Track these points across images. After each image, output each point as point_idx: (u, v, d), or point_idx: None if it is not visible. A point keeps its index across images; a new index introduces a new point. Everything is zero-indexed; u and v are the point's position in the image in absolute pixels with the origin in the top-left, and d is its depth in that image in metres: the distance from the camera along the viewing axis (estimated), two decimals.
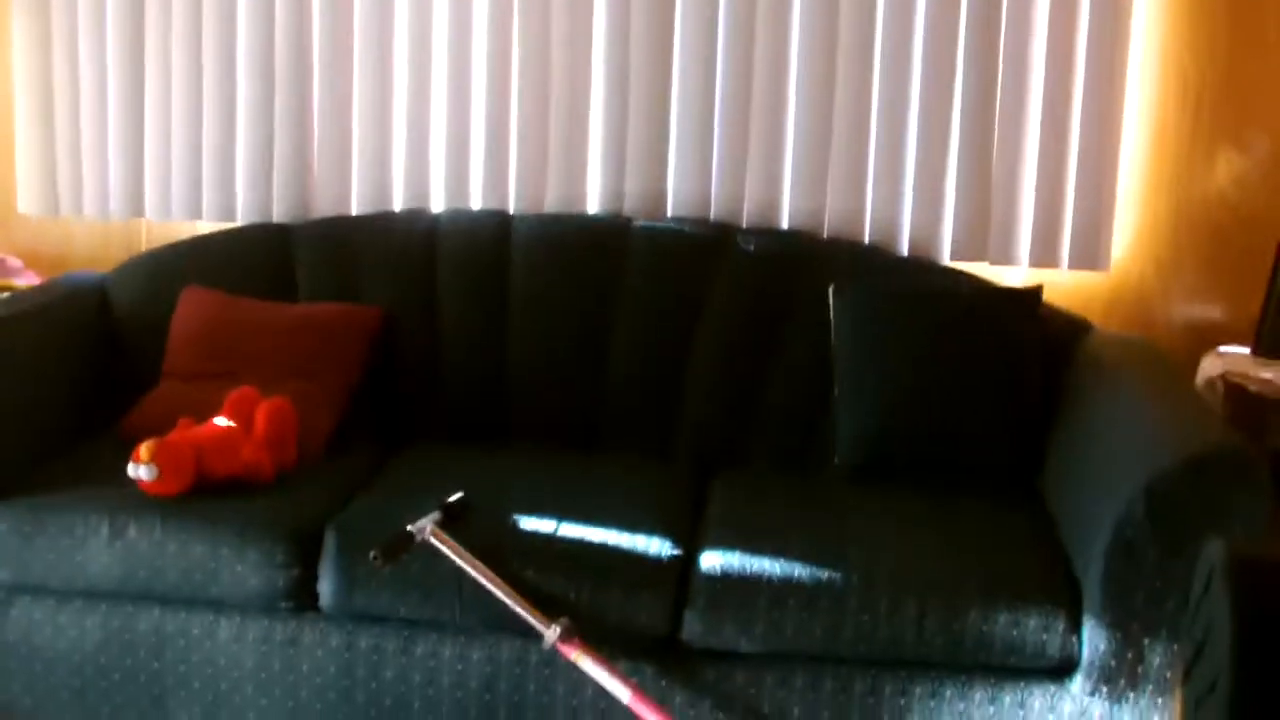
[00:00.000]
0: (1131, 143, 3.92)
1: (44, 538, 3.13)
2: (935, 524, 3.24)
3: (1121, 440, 3.08)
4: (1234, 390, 3.60)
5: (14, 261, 4.18)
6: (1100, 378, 3.43)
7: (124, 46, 4.10)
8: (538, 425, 3.79)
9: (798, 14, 3.88)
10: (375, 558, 2.91)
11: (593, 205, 4.04)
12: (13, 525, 3.15)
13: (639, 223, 3.92)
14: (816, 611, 2.96)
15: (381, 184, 4.07)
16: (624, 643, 3.03)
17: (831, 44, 3.87)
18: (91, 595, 3.17)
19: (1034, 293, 3.65)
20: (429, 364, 3.82)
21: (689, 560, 3.08)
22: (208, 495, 3.20)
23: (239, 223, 4.12)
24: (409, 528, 3.00)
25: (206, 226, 4.18)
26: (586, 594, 3.01)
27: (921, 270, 3.87)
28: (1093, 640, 2.90)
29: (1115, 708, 2.93)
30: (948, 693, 2.98)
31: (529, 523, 3.15)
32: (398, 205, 4.10)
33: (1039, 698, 2.96)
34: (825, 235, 3.97)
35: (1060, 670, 2.95)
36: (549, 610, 2.97)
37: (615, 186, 4.00)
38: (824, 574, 2.99)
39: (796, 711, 3.02)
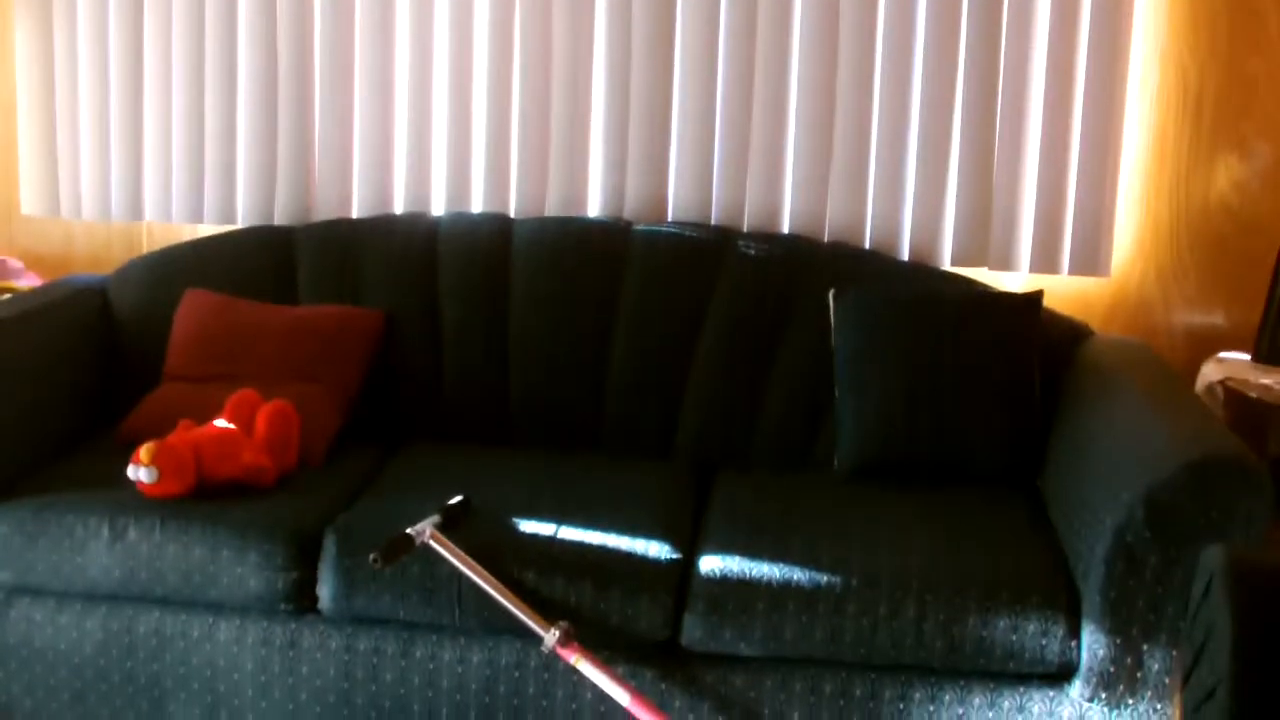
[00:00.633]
0: (1132, 149, 3.92)
1: (45, 539, 3.14)
2: (935, 528, 3.24)
3: (1122, 446, 3.07)
4: (1234, 396, 3.61)
5: (15, 263, 4.18)
6: (1100, 383, 3.43)
7: (125, 50, 4.10)
8: (538, 428, 3.80)
9: (799, 19, 3.89)
10: (375, 560, 2.91)
11: (593, 209, 4.04)
12: (14, 527, 3.15)
13: (639, 227, 3.92)
14: (816, 615, 2.96)
15: (382, 187, 4.08)
16: (623, 646, 3.03)
17: (832, 49, 3.88)
18: (92, 597, 3.18)
19: (1034, 298, 3.65)
20: (430, 367, 3.82)
21: (688, 564, 3.09)
22: (208, 498, 3.20)
23: (240, 225, 4.13)
24: (409, 530, 3.00)
25: (207, 229, 4.19)
26: (586, 597, 3.01)
27: (922, 275, 3.87)
28: (1092, 645, 2.90)
29: (1114, 713, 2.93)
30: (946, 697, 2.98)
31: (529, 526, 3.15)
32: (399, 208, 4.10)
33: (1038, 702, 2.96)
34: (826, 240, 3.97)
35: (1059, 675, 2.95)
36: (548, 613, 2.97)
37: (616, 190, 4.01)
38: (824, 578, 2.99)
39: (796, 716, 3.02)
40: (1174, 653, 2.88)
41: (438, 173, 4.07)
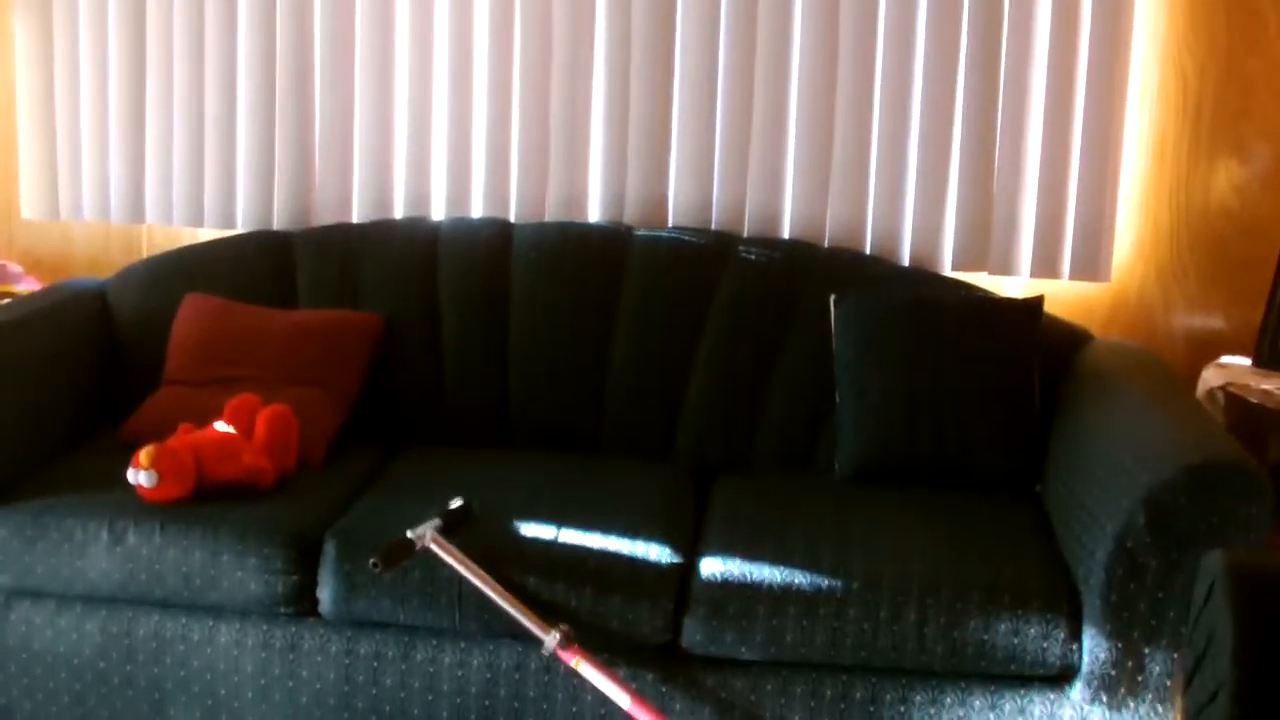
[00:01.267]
0: (1132, 153, 3.93)
1: (44, 542, 3.13)
2: (936, 531, 3.24)
3: (1123, 450, 3.07)
4: (1234, 401, 3.60)
5: (14, 267, 4.18)
6: (1101, 387, 3.43)
7: (125, 53, 4.11)
8: (539, 432, 3.80)
9: (799, 23, 3.89)
10: (375, 565, 2.90)
11: (593, 214, 4.04)
12: (13, 530, 3.15)
13: (640, 232, 3.92)
14: (817, 619, 2.96)
15: (382, 192, 4.08)
16: (624, 649, 3.03)
17: (833, 54, 3.88)
18: (91, 600, 3.17)
19: (1035, 303, 3.65)
20: (430, 370, 3.82)
21: (689, 567, 3.08)
22: (208, 501, 3.20)
23: (240, 230, 4.13)
24: (409, 534, 3.00)
25: (207, 233, 4.19)
26: (586, 601, 3.01)
27: (922, 280, 3.87)
28: (1093, 648, 2.90)
29: (1114, 715, 2.93)
30: (948, 700, 2.98)
31: (529, 529, 3.15)
32: (399, 213, 4.11)
33: (1039, 705, 2.96)
34: (826, 245, 3.97)
35: (1060, 678, 2.95)
36: (549, 617, 2.97)
37: (616, 195, 4.01)
38: (825, 581, 2.99)
39: (796, 719, 3.02)
40: (1175, 656, 2.88)
41: (437, 177, 4.08)
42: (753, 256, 3.85)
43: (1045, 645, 2.92)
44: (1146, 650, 2.88)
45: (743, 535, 3.18)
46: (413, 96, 4.04)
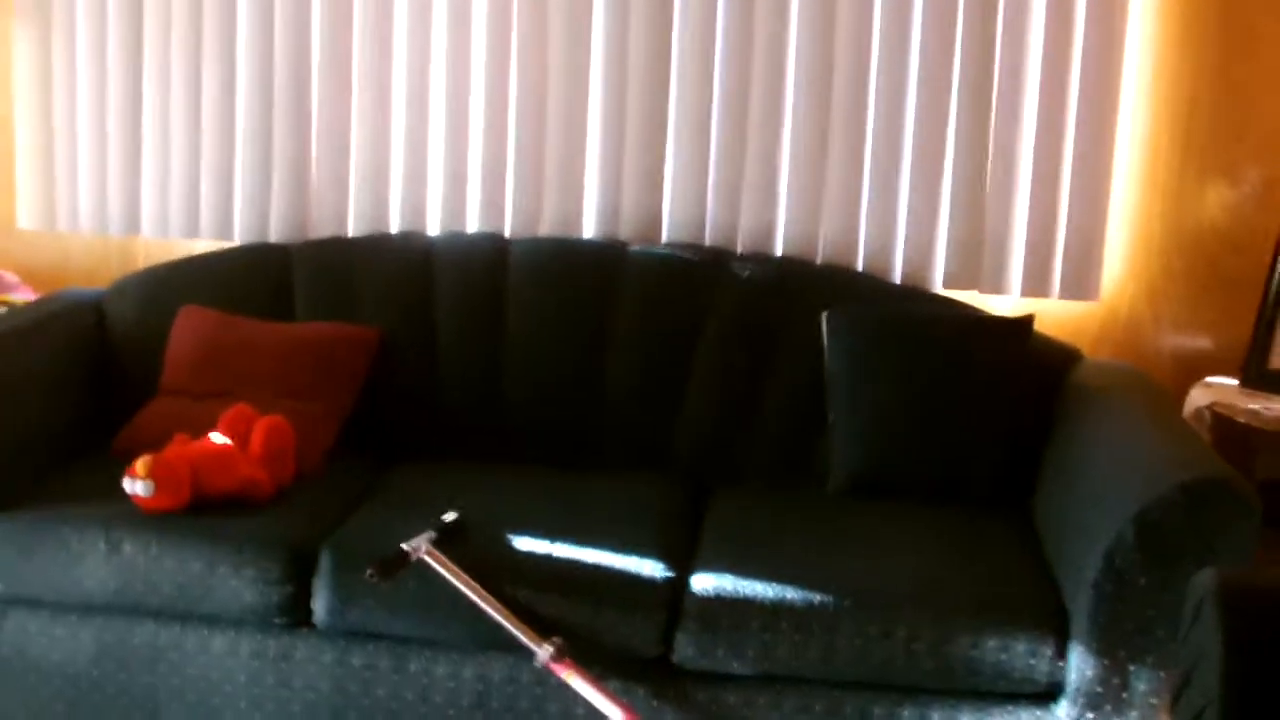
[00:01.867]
0: (1123, 173, 3.96)
1: (40, 552, 3.15)
2: (926, 546, 3.27)
3: (1112, 468, 3.10)
4: (1221, 420, 3.64)
5: (10, 277, 4.19)
6: (1090, 406, 3.46)
7: (124, 64, 4.13)
8: (534, 445, 3.82)
9: (794, 42, 3.92)
10: (372, 575, 2.93)
11: (588, 229, 4.07)
12: (9, 539, 3.17)
13: (635, 248, 3.95)
14: (809, 634, 2.98)
15: (379, 206, 4.11)
16: (616, 663, 3.05)
17: (827, 72, 3.92)
18: (87, 609, 3.19)
19: (1025, 321, 3.69)
20: (426, 384, 3.85)
21: (682, 581, 3.10)
22: (204, 512, 3.21)
23: (236, 242, 4.15)
24: (404, 546, 3.03)
25: (204, 245, 4.20)
26: (580, 614, 3.03)
27: (914, 298, 3.91)
28: (1080, 666, 2.92)
29: None
30: (935, 716, 3.01)
31: (523, 542, 3.17)
32: (395, 227, 4.13)
33: None
34: (819, 262, 4.00)
35: (1046, 695, 2.97)
36: (542, 630, 2.99)
37: (611, 211, 4.04)
38: (817, 597, 3.01)
39: None
40: (1161, 674, 2.90)
41: (434, 192, 4.10)
42: (746, 273, 3.87)
43: (1033, 662, 2.94)
44: (1133, 668, 2.90)
45: (736, 549, 3.21)
46: (409, 110, 4.06)
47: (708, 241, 4.04)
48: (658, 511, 3.46)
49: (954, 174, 3.94)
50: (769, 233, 4.01)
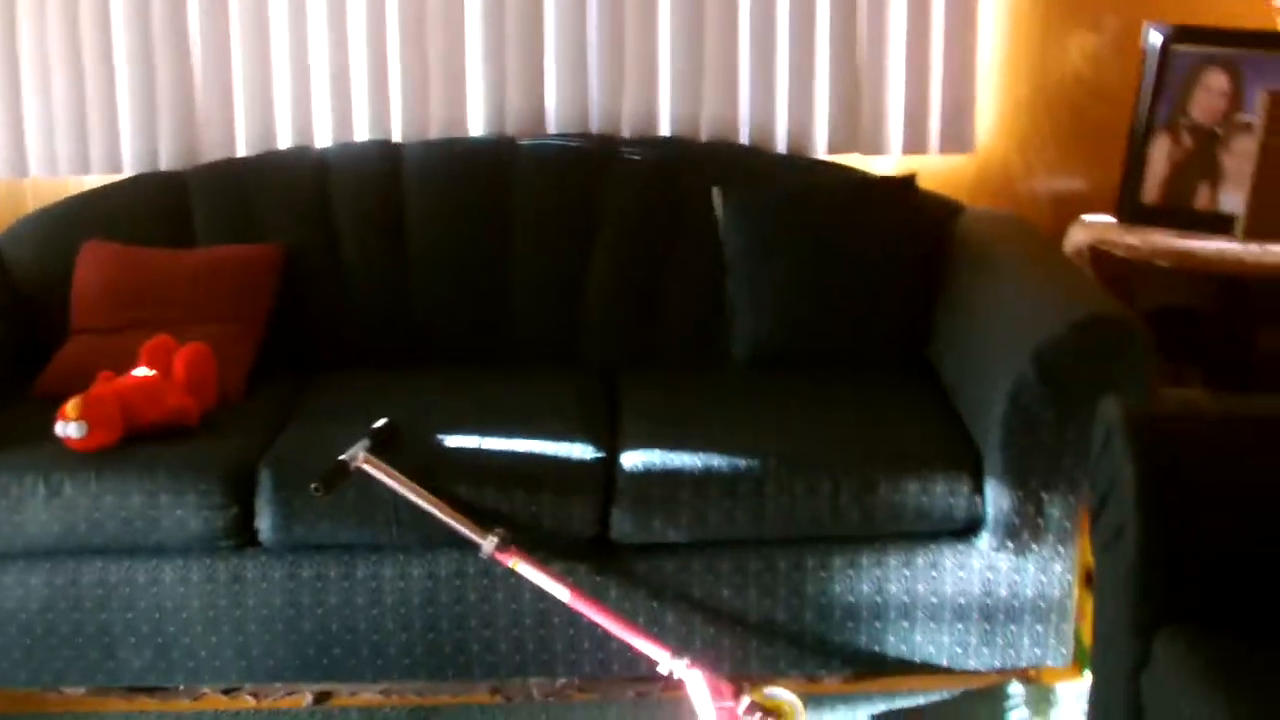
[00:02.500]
0: (990, 30, 4.09)
1: None
2: (838, 406, 3.42)
3: (1007, 312, 3.27)
4: (1101, 256, 3.80)
5: None
6: (978, 254, 3.62)
7: None
8: (444, 346, 3.86)
9: None
10: (317, 489, 2.99)
11: (476, 127, 4.10)
12: None
13: (524, 141, 4.00)
14: (737, 498, 3.11)
15: (266, 123, 4.09)
16: (558, 546, 3.15)
17: None
18: (33, 554, 3.20)
19: (908, 179, 3.82)
20: (335, 295, 3.87)
21: (611, 462, 3.21)
22: (137, 444, 3.23)
23: (127, 173, 4.11)
24: (342, 457, 3.08)
25: (93, 180, 4.17)
26: (518, 503, 3.12)
27: (800, 166, 4.02)
28: (996, 500, 3.10)
29: (1019, 560, 3.14)
30: (864, 560, 3.17)
31: (455, 441, 3.26)
32: (284, 143, 4.12)
33: (949, 557, 3.16)
34: (704, 139, 4.08)
35: (967, 530, 3.15)
36: (484, 523, 3.08)
37: (497, 107, 4.07)
38: (741, 462, 3.14)
39: (725, 593, 3.19)
40: (1072, 500, 3.08)
41: (320, 104, 4.10)
42: (635, 156, 3.95)
43: (951, 501, 3.11)
44: (1045, 497, 3.09)
45: (657, 427, 3.32)
46: (290, 24, 4.03)
47: (594, 129, 4.09)
48: (576, 399, 3.54)
49: (829, 42, 4.03)
50: (653, 116, 4.08)
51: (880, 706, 3.22)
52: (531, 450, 3.23)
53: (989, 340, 3.27)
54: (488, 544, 3.04)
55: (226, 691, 3.35)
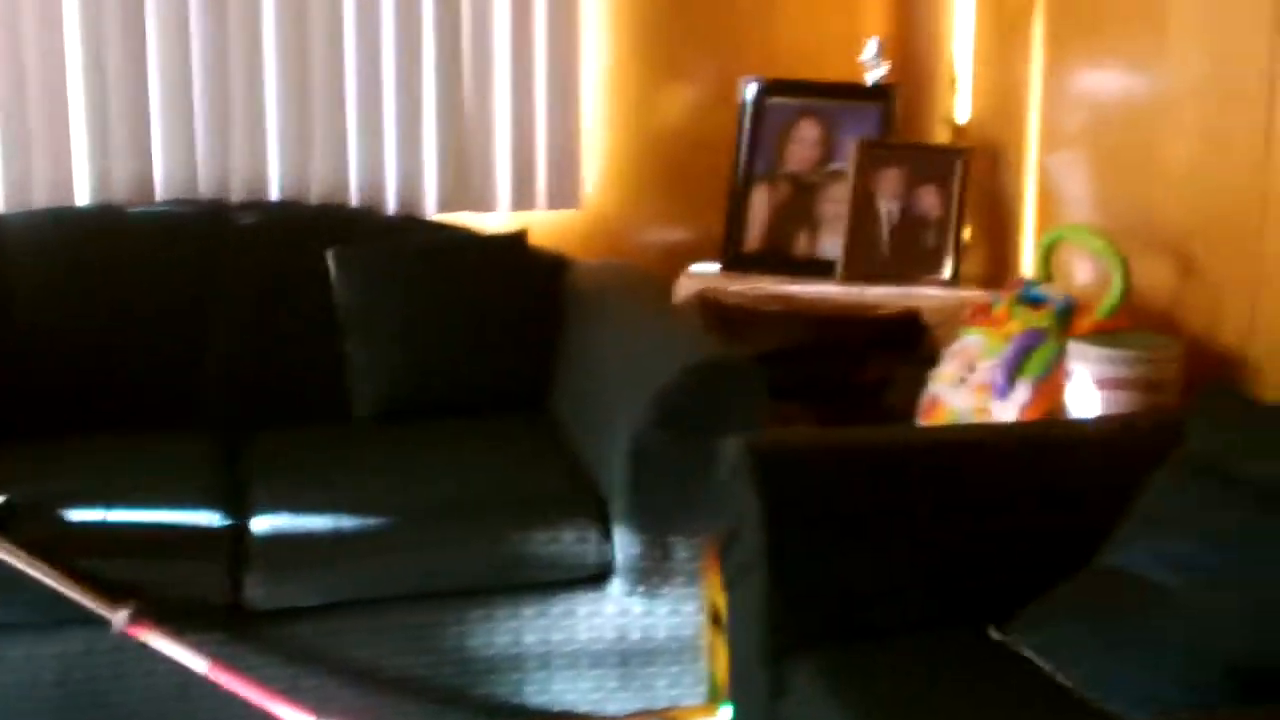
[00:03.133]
0: (592, 87, 4.25)
1: None
2: (464, 458, 3.47)
3: (622, 360, 3.41)
4: (710, 305, 3.97)
5: None
6: (590, 305, 3.77)
7: None
8: (61, 419, 3.68)
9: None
10: None
11: (81, 196, 3.98)
12: None
13: (132, 210, 3.92)
14: (369, 555, 3.15)
15: None
16: (192, 615, 3.07)
17: (302, 20, 3.99)
18: None
19: (518, 236, 3.93)
20: None
21: (241, 526, 3.18)
22: None
23: None
24: None
25: None
26: (149, 574, 3.05)
27: (411, 226, 4.08)
28: (624, 545, 3.21)
29: (651, 603, 3.25)
30: (500, 612, 3.21)
31: (78, 514, 3.16)
32: None
33: (583, 604, 3.24)
34: (314, 202, 4.09)
35: (599, 576, 3.24)
36: (114, 596, 2.99)
37: (102, 175, 3.96)
38: (369, 520, 3.18)
39: (364, 654, 3.18)
40: (697, 541, 3.22)
41: None
42: (246, 221, 3.93)
43: (581, 548, 3.19)
44: (671, 540, 3.22)
45: (287, 489, 3.30)
46: None
47: (203, 194, 4.03)
48: (201, 463, 3.48)
49: (435, 102, 4.10)
50: (262, 179, 4.05)
51: None
52: (159, 520, 3.16)
53: (607, 388, 3.40)
54: (118, 618, 2.96)
55: None
